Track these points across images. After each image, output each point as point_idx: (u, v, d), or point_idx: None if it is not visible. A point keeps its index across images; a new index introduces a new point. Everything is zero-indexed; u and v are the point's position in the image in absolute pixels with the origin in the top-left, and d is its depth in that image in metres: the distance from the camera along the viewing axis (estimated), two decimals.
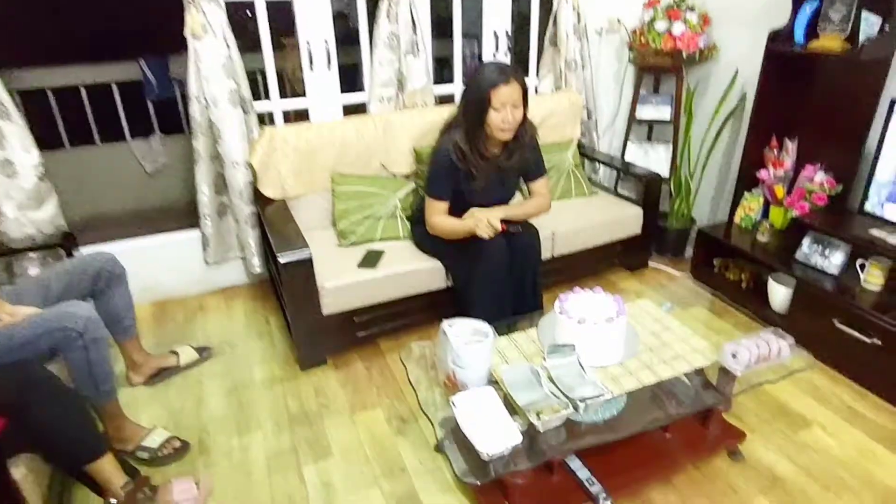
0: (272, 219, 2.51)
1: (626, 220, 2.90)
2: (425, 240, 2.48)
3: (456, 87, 3.16)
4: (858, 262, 2.34)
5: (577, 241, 2.79)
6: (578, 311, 1.78)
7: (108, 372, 1.87)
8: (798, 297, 2.45)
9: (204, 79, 2.45)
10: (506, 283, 2.28)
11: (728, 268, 2.91)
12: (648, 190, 2.94)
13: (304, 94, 2.82)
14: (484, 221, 2.07)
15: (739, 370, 1.67)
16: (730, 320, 2.56)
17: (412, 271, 2.41)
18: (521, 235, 2.27)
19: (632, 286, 3.01)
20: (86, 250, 2.58)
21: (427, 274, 2.44)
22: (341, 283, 2.28)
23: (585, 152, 3.32)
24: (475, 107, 2.09)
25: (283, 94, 2.83)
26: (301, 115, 2.93)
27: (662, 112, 3.35)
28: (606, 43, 3.38)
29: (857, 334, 2.20)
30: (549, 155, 2.99)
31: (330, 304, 2.29)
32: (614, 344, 1.77)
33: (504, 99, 2.04)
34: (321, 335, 2.35)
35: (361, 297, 2.35)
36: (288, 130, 2.59)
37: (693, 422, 1.87)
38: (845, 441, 1.98)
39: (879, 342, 2.13)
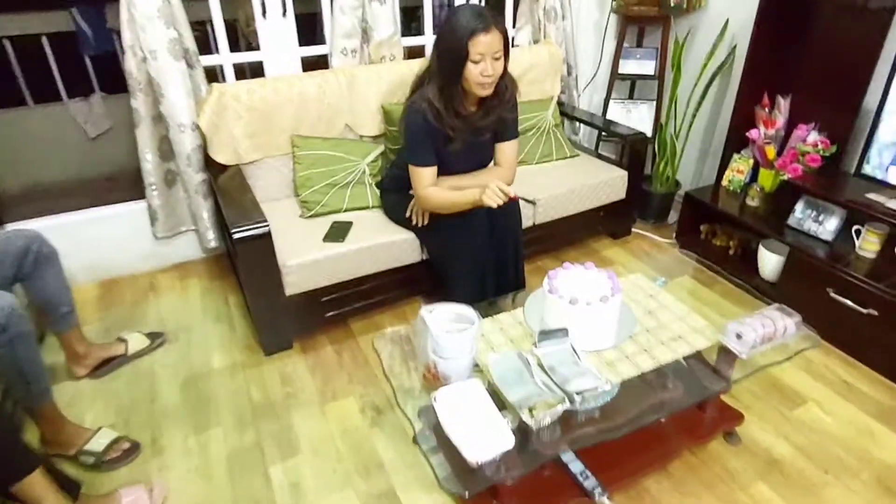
0: (225, 188, 2.26)
1: (610, 183, 2.73)
2: (397, 209, 2.26)
3: (427, 40, 2.88)
4: (854, 227, 2.23)
5: (559, 208, 2.61)
6: (569, 290, 1.61)
7: (40, 370, 1.65)
8: (790, 265, 2.34)
9: (139, 27, 2.14)
10: (487, 258, 2.10)
11: (715, 234, 2.78)
12: (634, 151, 2.76)
13: (257, 48, 2.52)
14: (493, 188, 1.81)
15: (745, 352, 1.54)
16: (717, 290, 2.43)
17: (384, 244, 2.20)
18: (503, 214, 2.08)
19: (616, 255, 2.86)
20: (12, 227, 2.28)
21: (400, 247, 2.24)
22: (305, 259, 2.06)
23: (565, 111, 3.12)
24: (450, 59, 1.84)
25: (235, 48, 2.52)
26: (256, 72, 2.64)
27: (646, 67, 3.15)
28: None
29: (851, 304, 2.10)
30: (527, 114, 2.79)
31: (294, 284, 2.07)
32: (609, 326, 1.61)
33: (483, 49, 1.80)
34: (285, 317, 2.15)
35: (328, 274, 2.14)
36: (240, 87, 2.30)
37: (690, 406, 1.75)
38: (842, 418, 1.90)
39: (875, 313, 2.04)
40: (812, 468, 1.72)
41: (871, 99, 2.26)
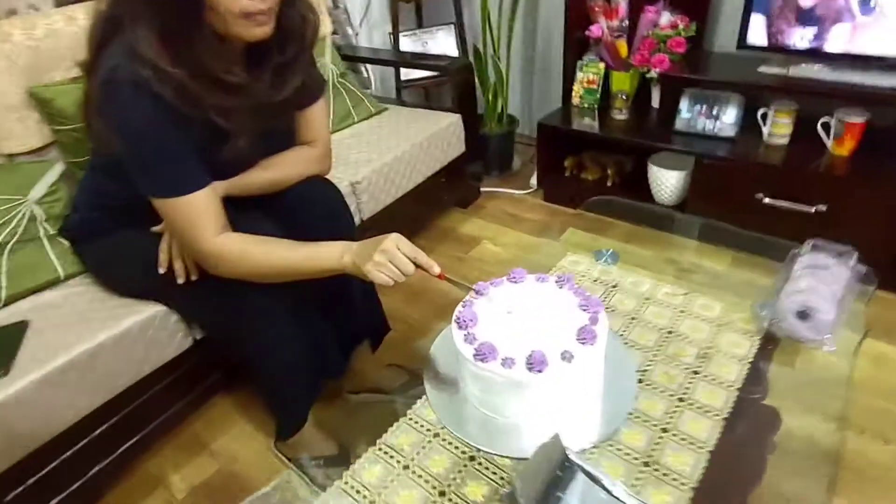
0: None
1: (443, 135, 1.93)
2: (115, 266, 1.18)
3: None
4: (760, 112, 1.74)
5: (390, 188, 1.74)
6: (511, 346, 0.77)
7: None
8: (696, 178, 1.80)
9: None
10: (314, 308, 1.17)
11: (583, 167, 2.17)
12: (461, 83, 1.99)
13: None
14: (383, 256, 0.89)
15: (829, 337, 0.87)
16: (614, 234, 1.82)
17: (101, 346, 1.11)
18: (317, 203, 1.15)
19: (478, 229, 2.10)
20: None
21: (141, 337, 1.17)
22: None
23: (346, 53, 2.21)
24: None
25: None
26: None
27: None
28: None
29: (794, 206, 1.62)
30: None
31: None
32: (594, 395, 0.82)
33: None
34: None
35: None
36: None
37: None
38: None
39: (824, 207, 1.59)
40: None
41: None
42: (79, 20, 1.44)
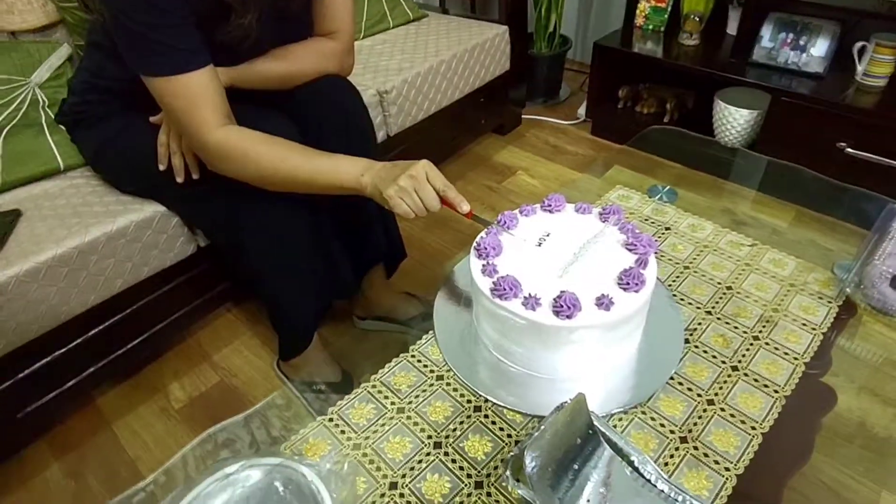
0: None
1: (487, 48, 1.73)
2: (112, 156, 1.08)
3: None
4: (857, 46, 1.49)
5: (423, 102, 1.58)
6: (538, 284, 0.65)
7: None
8: (771, 118, 1.58)
9: None
10: (327, 224, 1.05)
11: (639, 98, 1.95)
12: None
13: None
14: (409, 182, 0.74)
15: None
16: (664, 176, 1.63)
17: (94, 243, 1.03)
18: (332, 104, 1.01)
19: (515, 159, 1.93)
20: None
21: (139, 237, 1.09)
22: None
23: None
24: None
25: None
26: None
27: None
28: None
29: (883, 160, 1.41)
30: None
31: None
32: (630, 347, 0.70)
33: None
34: None
35: None
36: None
37: None
38: None
39: None
40: None
41: None
42: None
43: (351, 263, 1.14)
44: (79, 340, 1.10)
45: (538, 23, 2.09)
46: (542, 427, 0.53)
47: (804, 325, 0.76)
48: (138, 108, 0.98)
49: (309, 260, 1.02)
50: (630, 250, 0.70)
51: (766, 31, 1.60)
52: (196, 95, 0.82)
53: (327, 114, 1.00)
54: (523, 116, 2.10)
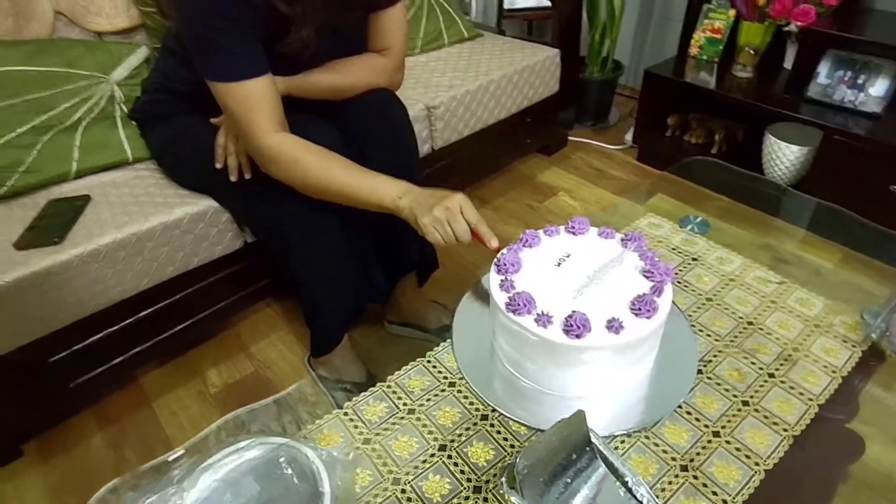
0: None
1: (538, 69, 1.76)
2: (175, 153, 1.17)
3: None
4: None
5: (469, 119, 1.63)
6: (551, 298, 0.67)
7: None
8: (822, 156, 1.55)
9: None
10: (364, 229, 1.10)
11: (689, 127, 1.94)
12: (565, 17, 1.80)
13: None
14: (444, 213, 0.80)
15: None
16: (707, 207, 1.61)
17: (151, 231, 1.11)
18: (378, 118, 1.06)
19: (558, 179, 1.95)
20: None
21: (193, 231, 1.17)
22: None
23: None
24: None
25: None
26: None
27: None
28: None
29: None
30: None
31: None
32: (643, 373, 0.71)
33: None
34: None
35: (38, 316, 1.04)
36: None
37: None
38: None
39: None
40: None
41: None
42: None
43: (384, 270, 1.19)
44: (129, 321, 1.19)
45: (591, 47, 2.12)
46: (538, 438, 0.55)
47: (825, 366, 0.76)
48: (202, 111, 1.06)
49: (345, 265, 1.08)
50: (647, 277, 0.72)
51: (823, 68, 1.57)
52: (254, 101, 0.89)
53: (374, 127, 1.05)
54: (570, 138, 2.12)
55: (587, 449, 0.57)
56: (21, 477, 1.14)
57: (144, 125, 1.24)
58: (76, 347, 1.13)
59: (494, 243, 0.79)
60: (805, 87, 1.60)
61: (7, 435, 1.15)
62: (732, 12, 1.80)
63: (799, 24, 1.61)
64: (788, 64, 1.75)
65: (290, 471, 0.53)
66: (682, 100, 1.94)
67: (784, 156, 1.62)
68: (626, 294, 0.69)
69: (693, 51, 1.90)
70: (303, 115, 0.97)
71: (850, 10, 1.61)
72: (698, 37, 1.88)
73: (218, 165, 1.05)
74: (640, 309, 0.67)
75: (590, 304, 0.68)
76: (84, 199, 1.16)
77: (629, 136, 2.07)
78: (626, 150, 2.08)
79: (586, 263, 0.75)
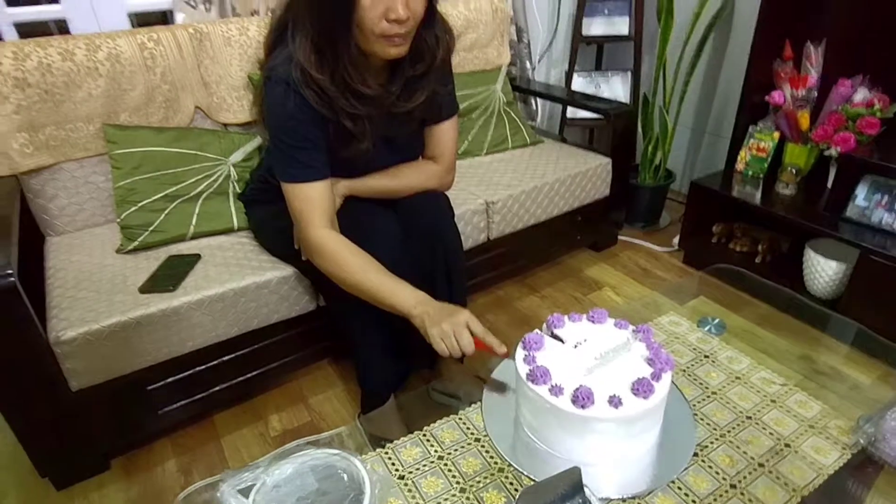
0: None
1: (591, 175, 1.96)
2: (270, 231, 1.42)
3: None
4: None
5: (523, 215, 1.82)
6: (565, 374, 0.81)
7: None
8: (859, 274, 1.61)
9: None
10: None
11: (734, 236, 2.05)
12: (620, 129, 2.01)
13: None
14: (451, 328, 0.97)
15: None
16: (750, 316, 1.69)
17: (244, 289, 1.34)
18: (422, 215, 1.27)
19: (604, 274, 2.09)
20: None
21: (277, 292, 1.39)
22: (94, 328, 1.18)
23: (519, 85, 2.34)
24: None
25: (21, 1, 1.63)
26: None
27: (618, 25, 2.41)
28: None
29: None
30: (468, 89, 2.01)
31: (81, 371, 1.19)
32: (647, 443, 0.82)
33: None
34: (80, 426, 1.25)
35: (149, 349, 1.26)
36: (3, 50, 1.40)
37: None
38: None
39: None
40: None
41: None
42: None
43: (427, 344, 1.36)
44: (215, 362, 1.39)
45: (644, 157, 2.30)
46: (535, 485, 0.68)
47: (812, 463, 0.83)
48: None
49: (396, 333, 1.25)
50: (649, 364, 0.84)
51: (861, 191, 1.67)
52: (310, 200, 1.11)
53: (420, 220, 1.25)
54: (620, 237, 2.27)
55: (580, 501, 0.69)
56: (106, 488, 1.32)
57: (248, 205, 1.51)
58: (170, 380, 1.35)
59: (502, 350, 0.93)
60: (844, 207, 1.70)
61: (101, 449, 1.35)
62: (777, 134, 1.95)
63: (838, 149, 1.74)
64: (829, 184, 1.85)
65: (344, 475, 0.68)
66: (728, 210, 2.06)
67: (822, 270, 1.69)
68: (629, 376, 0.82)
69: (739, 166, 2.04)
70: (372, 205, 1.19)
71: (890, 139, 1.72)
72: (744, 154, 2.03)
73: (296, 246, 1.27)
74: (638, 390, 0.79)
75: (597, 381, 0.82)
76: (196, 257, 1.41)
77: (676, 240, 2.19)
78: (674, 253, 2.20)
79: (599, 347, 0.88)
